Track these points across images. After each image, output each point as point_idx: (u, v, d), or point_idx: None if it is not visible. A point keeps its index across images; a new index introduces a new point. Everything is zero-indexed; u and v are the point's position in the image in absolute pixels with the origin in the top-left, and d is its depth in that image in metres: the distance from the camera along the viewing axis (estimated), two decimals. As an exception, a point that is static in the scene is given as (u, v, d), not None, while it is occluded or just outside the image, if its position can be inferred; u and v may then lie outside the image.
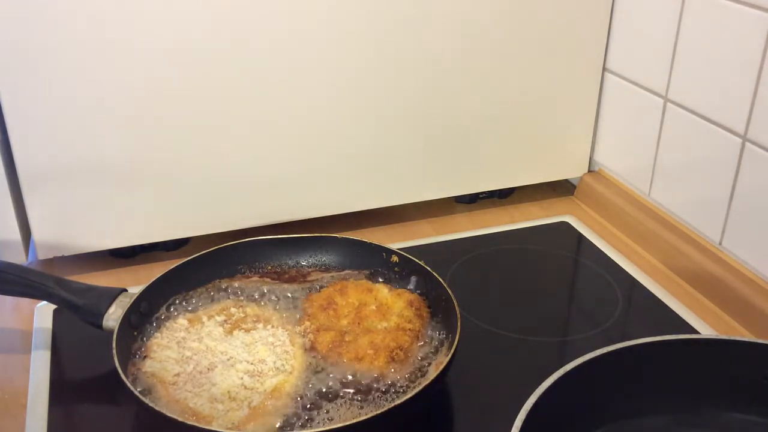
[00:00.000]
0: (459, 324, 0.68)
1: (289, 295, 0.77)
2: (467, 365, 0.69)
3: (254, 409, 0.63)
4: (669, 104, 0.88)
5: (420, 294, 0.76)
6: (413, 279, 0.77)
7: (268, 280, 0.79)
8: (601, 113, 1.01)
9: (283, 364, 0.67)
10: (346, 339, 0.70)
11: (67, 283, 0.72)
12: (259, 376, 0.66)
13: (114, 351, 0.64)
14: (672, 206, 0.91)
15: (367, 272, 0.79)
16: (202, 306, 0.75)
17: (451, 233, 0.96)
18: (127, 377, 0.63)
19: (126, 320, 0.69)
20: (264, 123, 0.86)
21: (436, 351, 0.70)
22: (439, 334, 0.71)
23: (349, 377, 0.66)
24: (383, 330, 0.71)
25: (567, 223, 0.98)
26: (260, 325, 0.72)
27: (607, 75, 0.98)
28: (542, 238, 0.95)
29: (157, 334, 0.71)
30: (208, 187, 0.87)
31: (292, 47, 0.83)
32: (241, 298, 0.76)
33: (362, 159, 0.92)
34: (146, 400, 0.61)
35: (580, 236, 0.96)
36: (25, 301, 0.80)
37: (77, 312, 0.70)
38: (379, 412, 0.60)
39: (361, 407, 0.64)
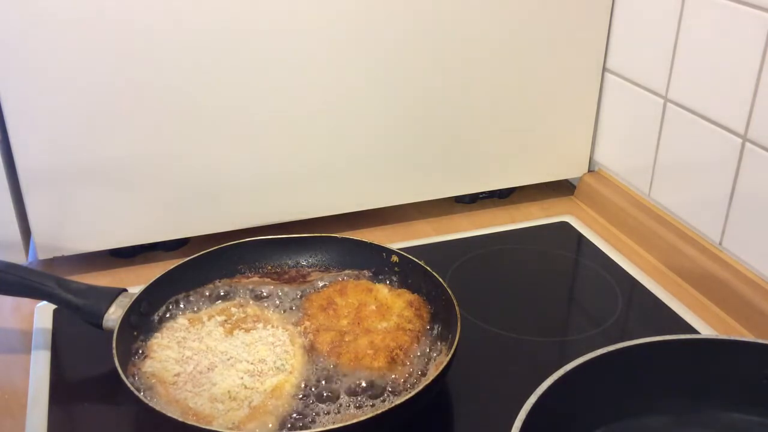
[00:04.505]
0: (459, 324, 0.68)
1: (289, 295, 0.77)
2: (467, 365, 0.69)
3: (254, 408, 0.63)
4: (669, 104, 0.88)
5: (420, 294, 0.76)
6: (413, 279, 0.77)
7: (268, 280, 0.79)
8: (601, 113, 1.01)
9: (283, 364, 0.67)
10: (346, 339, 0.70)
11: (67, 283, 0.72)
12: (259, 376, 0.66)
13: (114, 351, 0.64)
14: (672, 206, 0.91)
15: (367, 272, 0.79)
16: (202, 306, 0.75)
17: (451, 233, 0.96)
18: (127, 377, 0.63)
19: (126, 320, 0.69)
20: (264, 123, 0.86)
21: (436, 351, 0.70)
22: (439, 335, 0.71)
23: (349, 377, 0.66)
24: (383, 330, 0.71)
25: (567, 223, 0.98)
26: (260, 325, 0.72)
27: (607, 75, 0.98)
28: (542, 238, 0.95)
29: (157, 334, 0.71)
30: (208, 187, 0.87)
31: (293, 49, 0.83)
32: (241, 298, 0.76)
33: (362, 159, 0.92)
34: (146, 400, 0.61)
35: (580, 236, 0.96)
36: (25, 301, 0.80)
37: (77, 312, 0.70)
38: (378, 412, 0.60)
39: (361, 407, 0.64)
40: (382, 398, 0.65)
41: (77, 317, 0.71)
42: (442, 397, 0.69)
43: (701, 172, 0.85)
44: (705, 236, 0.86)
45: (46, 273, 0.72)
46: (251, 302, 0.76)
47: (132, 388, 0.62)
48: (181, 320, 0.72)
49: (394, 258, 0.79)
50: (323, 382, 0.66)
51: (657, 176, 0.93)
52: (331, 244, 0.82)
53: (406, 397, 0.61)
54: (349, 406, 0.64)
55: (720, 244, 0.84)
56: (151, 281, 0.74)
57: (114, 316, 0.69)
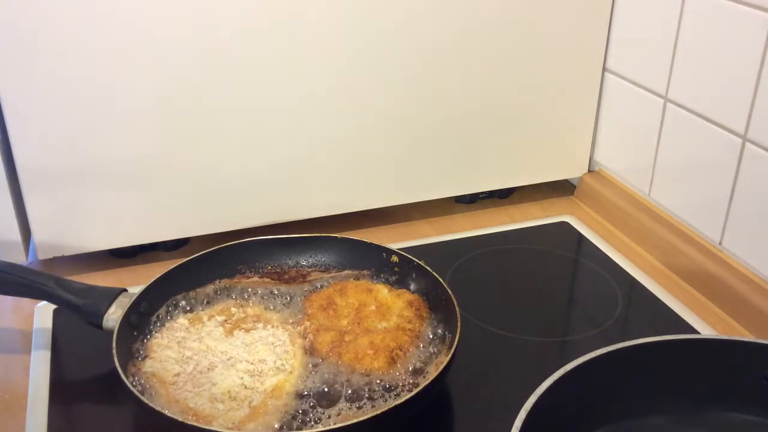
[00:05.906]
0: (459, 324, 0.68)
1: (289, 295, 0.77)
2: (467, 365, 0.69)
3: (254, 408, 0.63)
4: (669, 104, 0.88)
5: (420, 294, 0.76)
6: (413, 279, 0.77)
7: (268, 280, 0.79)
8: (601, 113, 1.01)
9: (283, 364, 0.67)
10: (346, 339, 0.70)
11: (67, 283, 0.72)
12: (259, 376, 0.66)
13: (114, 351, 0.64)
14: (672, 206, 0.91)
15: (367, 272, 0.79)
16: (202, 306, 0.75)
17: (451, 233, 0.96)
18: (127, 377, 0.63)
19: (126, 320, 0.69)
20: (264, 123, 0.86)
21: (436, 351, 0.70)
22: (439, 335, 0.71)
23: (349, 377, 0.66)
24: (383, 330, 0.71)
25: (567, 223, 0.98)
26: (260, 325, 0.72)
27: (607, 75, 0.98)
28: (542, 238, 0.95)
29: (157, 334, 0.71)
30: (208, 187, 0.87)
31: (292, 49, 0.83)
32: (241, 298, 0.76)
33: (362, 159, 0.92)
34: (146, 400, 0.61)
35: (580, 236, 0.96)
36: (25, 301, 0.80)
37: (77, 312, 0.70)
38: (379, 412, 0.60)
39: (361, 407, 0.64)
40: (382, 398, 0.64)
41: (77, 317, 0.71)
42: (442, 397, 0.69)
43: (701, 172, 0.85)
44: (705, 236, 0.86)
45: (46, 273, 0.72)
46: (251, 302, 0.76)
47: (132, 388, 0.62)
48: (181, 320, 0.72)
49: (394, 258, 0.79)
50: (323, 382, 0.66)
51: (657, 176, 0.93)
52: (331, 244, 0.82)
53: (406, 397, 0.61)
54: (349, 406, 0.64)
55: (720, 244, 0.84)
56: (151, 281, 0.74)
57: (114, 316, 0.69)
